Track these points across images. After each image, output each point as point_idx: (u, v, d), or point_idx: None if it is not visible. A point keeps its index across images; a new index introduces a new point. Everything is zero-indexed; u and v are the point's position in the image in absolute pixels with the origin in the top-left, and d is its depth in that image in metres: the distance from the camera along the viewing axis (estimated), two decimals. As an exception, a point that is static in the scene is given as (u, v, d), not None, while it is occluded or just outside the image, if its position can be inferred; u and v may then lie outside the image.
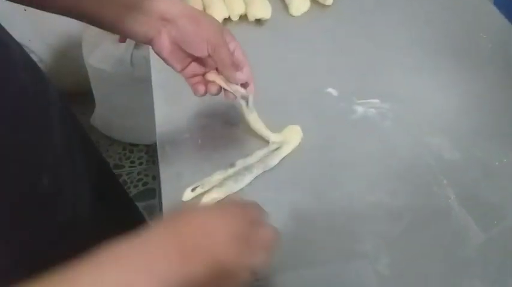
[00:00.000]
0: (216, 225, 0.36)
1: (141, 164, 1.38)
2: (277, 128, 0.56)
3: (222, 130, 0.57)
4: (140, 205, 1.25)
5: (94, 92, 1.30)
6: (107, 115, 1.34)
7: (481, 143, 0.56)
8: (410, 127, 0.58)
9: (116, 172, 1.34)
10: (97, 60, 1.18)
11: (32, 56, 0.57)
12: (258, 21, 0.70)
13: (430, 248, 0.48)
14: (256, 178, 0.53)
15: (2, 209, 0.39)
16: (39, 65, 0.56)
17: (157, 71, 0.63)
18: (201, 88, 0.49)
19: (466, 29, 0.69)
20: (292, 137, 0.56)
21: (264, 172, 0.53)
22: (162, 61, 0.63)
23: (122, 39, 1.15)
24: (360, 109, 0.59)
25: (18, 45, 0.47)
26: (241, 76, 0.50)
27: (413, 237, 0.48)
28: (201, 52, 0.47)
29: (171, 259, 0.33)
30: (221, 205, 0.42)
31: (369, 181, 0.53)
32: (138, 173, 1.35)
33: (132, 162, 1.38)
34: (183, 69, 0.49)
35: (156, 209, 1.27)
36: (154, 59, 0.63)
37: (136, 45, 1.15)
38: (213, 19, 0.48)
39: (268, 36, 0.69)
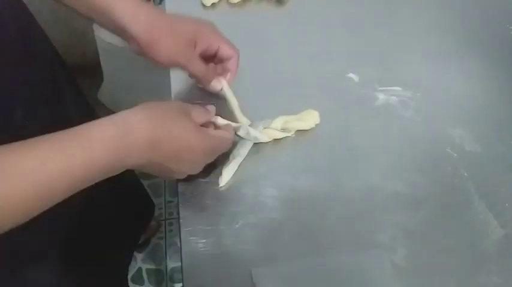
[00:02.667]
0: (192, 156, 0.44)
1: (147, 141, 1.36)
2: (295, 112, 0.55)
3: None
4: (145, 182, 1.25)
5: (102, 66, 1.28)
6: (114, 91, 1.33)
7: (504, 137, 0.55)
8: (432, 117, 0.56)
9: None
10: (107, 34, 1.15)
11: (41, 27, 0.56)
12: (279, 1, 0.68)
13: (447, 242, 0.47)
14: (272, 162, 0.52)
15: None
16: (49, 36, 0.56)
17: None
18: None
19: (493, 20, 0.67)
20: (308, 119, 0.55)
21: (281, 156, 0.52)
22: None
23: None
24: (381, 96, 0.58)
25: None
26: (217, 85, 0.53)
27: (431, 229, 0.48)
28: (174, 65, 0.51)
29: (143, 159, 0.41)
30: (203, 135, 0.46)
31: (388, 170, 0.52)
32: (144, 151, 1.34)
33: (138, 139, 1.37)
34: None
35: (161, 187, 1.27)
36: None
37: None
38: (178, 34, 0.49)
39: (289, 17, 0.67)
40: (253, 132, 0.51)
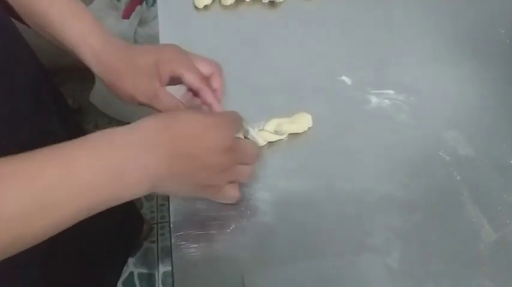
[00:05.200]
0: (207, 132, 0.39)
1: (139, 144, 1.36)
2: (287, 114, 0.54)
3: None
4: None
5: (94, 68, 1.27)
6: (106, 92, 1.31)
7: (497, 140, 0.55)
8: (425, 120, 0.56)
9: (114, 151, 1.32)
10: (99, 36, 1.15)
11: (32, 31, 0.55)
12: (272, 4, 0.68)
13: (440, 245, 0.47)
14: (265, 165, 0.51)
15: None
16: (37, 40, 0.55)
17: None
18: None
19: (485, 24, 0.68)
20: (301, 122, 0.54)
21: (274, 159, 0.52)
22: (171, 39, 0.62)
23: (126, 16, 1.12)
24: (374, 99, 0.58)
25: None
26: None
27: (425, 232, 0.47)
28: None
29: (160, 158, 0.36)
30: (214, 114, 0.44)
31: (381, 173, 0.52)
32: (136, 154, 1.33)
33: (130, 142, 1.36)
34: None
35: (154, 193, 1.26)
36: (163, 38, 0.62)
37: (141, 23, 1.12)
38: (137, 71, 0.47)
39: (282, 20, 0.67)
40: (252, 131, 0.51)
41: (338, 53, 0.63)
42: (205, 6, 0.66)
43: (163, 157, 0.36)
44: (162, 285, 1.12)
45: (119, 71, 0.47)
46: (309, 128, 0.55)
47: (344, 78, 0.60)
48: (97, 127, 1.37)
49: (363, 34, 0.65)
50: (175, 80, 0.49)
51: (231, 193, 0.43)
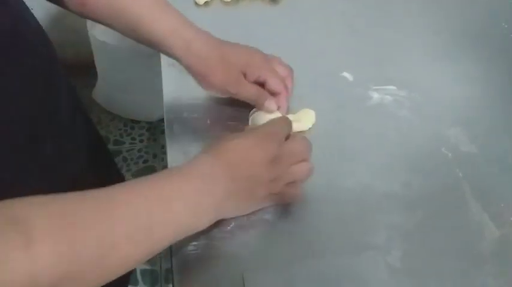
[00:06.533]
0: (251, 152, 0.42)
1: (141, 141, 1.36)
2: (289, 110, 0.54)
3: (232, 112, 0.55)
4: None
5: (97, 65, 1.27)
6: (108, 89, 1.32)
7: (499, 137, 0.55)
8: (427, 117, 0.56)
9: (116, 147, 1.33)
10: (101, 32, 1.15)
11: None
12: (273, 0, 0.67)
13: (443, 243, 0.46)
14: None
15: (2, 172, 0.40)
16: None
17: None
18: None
19: (487, 18, 0.67)
20: (305, 120, 0.54)
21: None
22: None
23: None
24: (375, 95, 0.57)
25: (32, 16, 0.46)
26: (271, 106, 0.52)
27: (427, 230, 0.47)
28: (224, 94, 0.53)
29: (221, 185, 0.40)
30: (253, 132, 0.46)
31: (383, 170, 0.51)
32: (139, 150, 1.33)
33: (133, 139, 1.36)
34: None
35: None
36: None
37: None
38: (229, 67, 0.50)
39: (283, 16, 0.66)
40: None
41: (339, 49, 0.62)
42: (206, 3, 0.66)
43: (223, 184, 0.41)
44: (165, 282, 1.12)
45: (211, 61, 0.50)
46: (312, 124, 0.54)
47: (345, 74, 0.59)
48: (100, 124, 1.37)
49: (364, 30, 0.65)
50: (256, 83, 0.52)
51: (293, 193, 0.46)
